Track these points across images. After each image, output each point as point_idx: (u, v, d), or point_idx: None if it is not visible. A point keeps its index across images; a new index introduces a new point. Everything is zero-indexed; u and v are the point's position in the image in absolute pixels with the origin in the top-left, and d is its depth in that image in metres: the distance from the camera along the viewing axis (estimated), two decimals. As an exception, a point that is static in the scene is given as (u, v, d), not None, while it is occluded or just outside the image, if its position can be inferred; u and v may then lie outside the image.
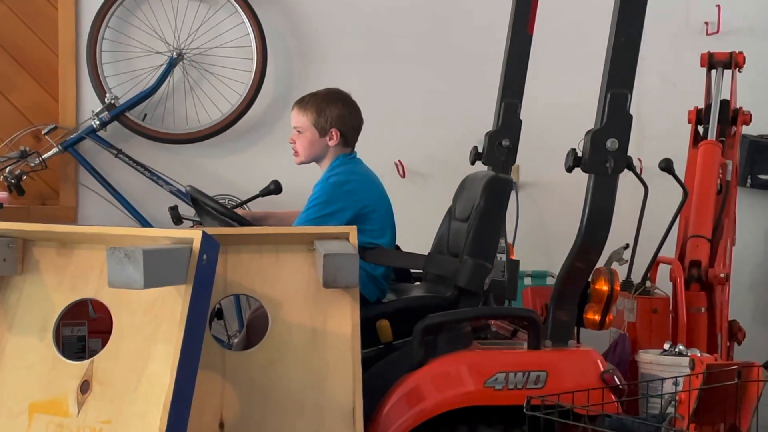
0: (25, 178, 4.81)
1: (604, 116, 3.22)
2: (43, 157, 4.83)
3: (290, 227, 3.43)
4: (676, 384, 3.18)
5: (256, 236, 3.10)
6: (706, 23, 5.51)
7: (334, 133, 3.74)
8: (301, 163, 3.81)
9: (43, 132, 4.91)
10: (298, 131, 3.75)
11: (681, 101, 5.06)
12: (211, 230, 2.81)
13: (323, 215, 3.55)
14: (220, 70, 5.11)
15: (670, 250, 4.32)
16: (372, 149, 4.82)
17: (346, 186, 3.65)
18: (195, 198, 3.80)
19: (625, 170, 3.28)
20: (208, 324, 2.82)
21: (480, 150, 4.32)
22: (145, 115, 5.03)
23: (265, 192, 4.30)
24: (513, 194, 3.84)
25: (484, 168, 4.32)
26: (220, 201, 3.94)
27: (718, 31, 5.47)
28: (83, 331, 3.49)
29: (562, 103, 5.29)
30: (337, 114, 3.76)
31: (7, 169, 4.78)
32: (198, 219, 4.31)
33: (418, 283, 3.99)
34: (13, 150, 4.86)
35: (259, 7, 5.09)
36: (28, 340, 2.82)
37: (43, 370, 2.77)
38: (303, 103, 3.77)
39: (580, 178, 3.37)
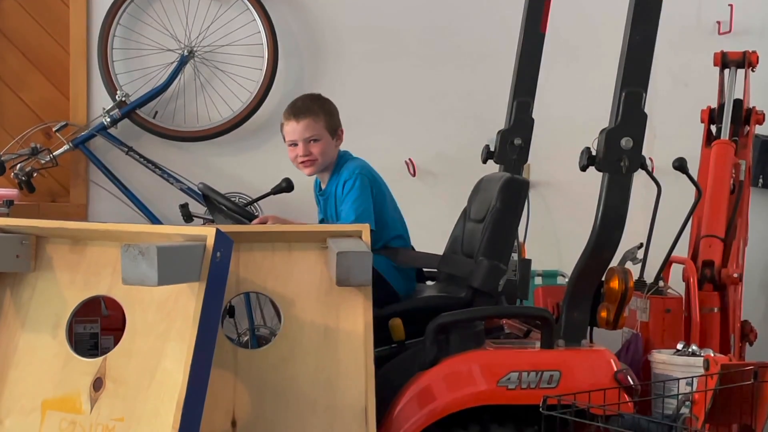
0: (35, 175, 4.81)
1: (618, 115, 3.21)
2: (53, 154, 4.83)
3: (303, 224, 3.41)
4: (690, 384, 3.17)
5: (268, 234, 3.10)
6: (718, 23, 5.49)
7: (341, 132, 3.77)
8: (314, 173, 3.78)
9: (53, 129, 4.91)
10: (314, 139, 3.70)
11: (692, 101, 5.04)
12: (224, 228, 2.81)
13: (367, 207, 3.59)
14: (231, 68, 5.10)
15: (683, 250, 4.30)
16: (382, 148, 4.84)
17: (370, 173, 3.70)
18: (207, 195, 3.79)
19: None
20: (220, 322, 2.81)
21: (492, 148, 4.30)
22: (156, 112, 5.02)
23: (277, 190, 4.28)
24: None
25: (496, 167, 4.30)
26: (231, 199, 3.93)
27: (730, 31, 5.45)
28: (96, 328, 3.49)
29: (573, 102, 5.28)
30: (338, 113, 3.80)
31: (18, 166, 4.78)
32: (208, 217, 4.31)
33: (431, 282, 3.97)
34: (23, 147, 4.85)
35: (271, 5, 5.08)
36: (41, 337, 2.82)
37: (56, 368, 2.77)
38: (309, 110, 3.72)
39: (590, 177, 3.35)
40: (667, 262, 4.10)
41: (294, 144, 3.72)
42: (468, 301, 3.47)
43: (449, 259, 3.69)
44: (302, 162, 3.72)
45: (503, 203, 3.54)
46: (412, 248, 3.79)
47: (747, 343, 4.39)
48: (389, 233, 3.70)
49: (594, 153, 3.25)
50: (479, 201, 3.78)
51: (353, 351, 2.97)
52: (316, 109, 3.73)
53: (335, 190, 3.69)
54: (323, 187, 3.82)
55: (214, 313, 2.68)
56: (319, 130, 3.70)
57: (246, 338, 4.79)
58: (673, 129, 5.27)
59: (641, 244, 3.91)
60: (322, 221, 3.84)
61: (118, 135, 4.98)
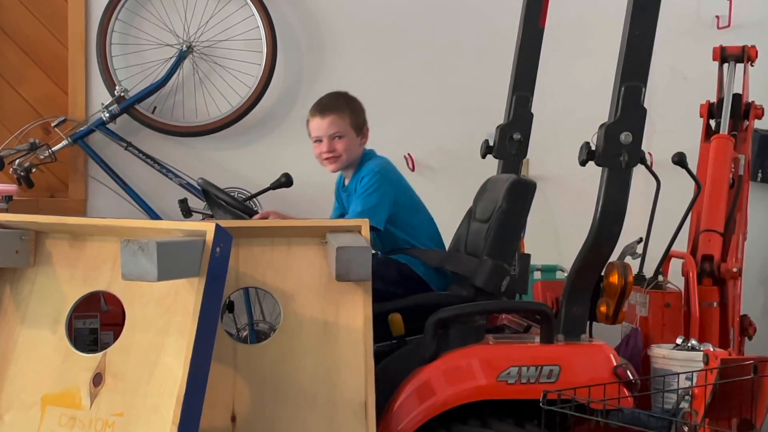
0: (34, 170, 4.81)
1: (618, 110, 3.21)
2: (52, 149, 4.83)
3: (302, 219, 3.41)
4: (690, 379, 3.17)
5: (268, 229, 3.10)
6: (717, 17, 5.48)
7: (366, 130, 3.80)
8: (338, 169, 3.81)
9: (52, 124, 4.91)
10: (339, 136, 3.72)
11: (691, 95, 5.04)
12: (224, 223, 2.81)
13: (377, 204, 3.61)
14: (229, 63, 5.10)
15: (682, 245, 4.30)
16: (381, 142, 4.81)
17: (390, 174, 3.73)
18: (207, 191, 3.79)
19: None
20: (220, 317, 2.81)
21: (491, 143, 4.30)
22: (155, 107, 5.02)
23: (276, 185, 4.28)
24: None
25: (495, 161, 4.30)
26: (230, 194, 3.93)
27: (729, 25, 5.45)
28: (95, 323, 3.48)
29: (572, 97, 5.28)
30: (364, 111, 3.83)
31: (17, 161, 4.78)
32: (207, 212, 4.31)
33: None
34: (22, 142, 4.86)
35: (269, 0, 5.08)
36: (41, 332, 2.82)
37: (56, 363, 2.77)
38: (334, 107, 3.75)
39: (589, 172, 3.35)
40: (666, 257, 4.09)
41: (319, 140, 3.75)
42: (470, 299, 3.48)
43: (454, 257, 3.69)
44: (326, 158, 3.75)
45: (509, 204, 3.54)
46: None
47: (746, 338, 4.38)
48: (412, 233, 3.72)
49: (593, 148, 3.24)
50: (485, 201, 3.78)
51: (353, 346, 2.96)
52: (341, 106, 3.75)
53: (356, 187, 3.71)
54: (347, 183, 3.83)
55: (214, 308, 2.68)
56: (344, 126, 3.72)
57: (245, 333, 4.79)
58: (673, 123, 5.26)
59: (641, 239, 3.90)
60: (341, 217, 3.84)
61: (117, 130, 4.98)
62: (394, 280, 3.59)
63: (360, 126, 3.77)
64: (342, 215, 3.86)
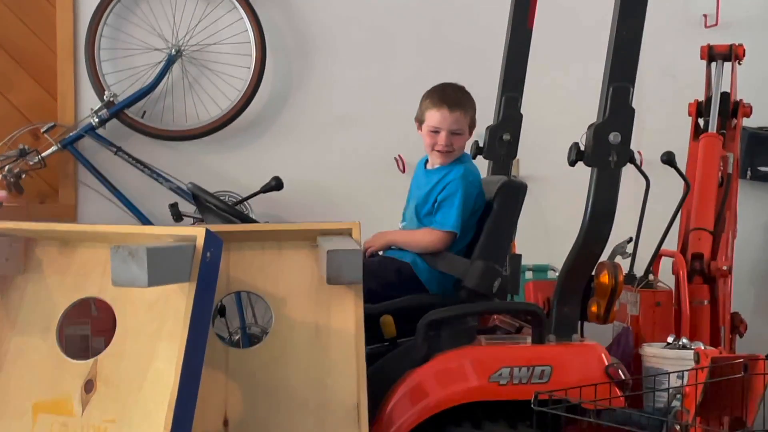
0: (24, 176, 4.80)
1: (606, 110, 3.21)
2: (42, 155, 4.82)
3: (292, 223, 3.41)
4: (681, 377, 3.18)
5: (258, 233, 3.10)
6: (705, 16, 5.50)
7: (473, 129, 3.77)
8: (446, 163, 3.72)
9: (41, 130, 4.90)
10: (459, 133, 3.67)
11: (680, 94, 5.05)
12: (214, 227, 2.81)
13: (455, 210, 3.58)
14: (219, 67, 5.09)
15: (672, 244, 4.31)
16: (372, 144, 4.85)
17: (475, 188, 3.66)
18: (197, 195, 3.79)
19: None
20: (211, 321, 2.81)
21: (481, 144, 4.30)
22: (144, 112, 5.01)
23: (266, 188, 4.29)
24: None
25: (485, 162, 4.31)
26: (221, 198, 3.92)
27: (716, 24, 5.46)
28: (86, 330, 3.47)
29: (561, 97, 5.28)
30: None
31: (6, 167, 4.76)
32: (198, 216, 4.31)
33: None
34: (11, 148, 4.84)
35: (258, 3, 5.07)
36: (32, 339, 2.81)
37: (47, 370, 2.76)
38: (462, 104, 3.69)
39: (579, 172, 3.36)
40: (656, 256, 4.11)
41: (437, 131, 3.68)
42: (462, 301, 3.47)
43: (446, 258, 3.69)
44: (440, 151, 3.68)
45: (500, 206, 3.54)
46: None
47: (737, 335, 4.40)
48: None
49: (582, 148, 3.25)
50: None
51: (344, 349, 2.96)
52: (467, 103, 3.72)
53: (437, 180, 3.68)
54: (429, 167, 3.80)
55: (205, 313, 2.68)
56: (464, 125, 3.69)
57: (237, 337, 4.79)
58: (662, 122, 5.28)
59: (630, 239, 3.92)
60: (411, 196, 3.84)
61: (107, 135, 4.97)
62: (390, 282, 3.58)
63: (473, 125, 3.74)
64: (410, 193, 3.87)
